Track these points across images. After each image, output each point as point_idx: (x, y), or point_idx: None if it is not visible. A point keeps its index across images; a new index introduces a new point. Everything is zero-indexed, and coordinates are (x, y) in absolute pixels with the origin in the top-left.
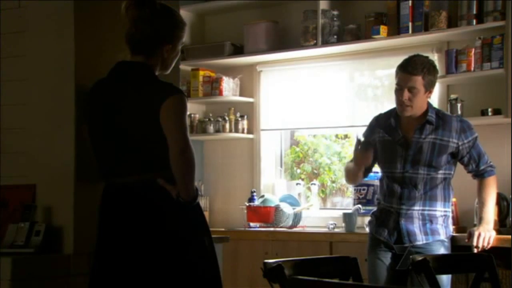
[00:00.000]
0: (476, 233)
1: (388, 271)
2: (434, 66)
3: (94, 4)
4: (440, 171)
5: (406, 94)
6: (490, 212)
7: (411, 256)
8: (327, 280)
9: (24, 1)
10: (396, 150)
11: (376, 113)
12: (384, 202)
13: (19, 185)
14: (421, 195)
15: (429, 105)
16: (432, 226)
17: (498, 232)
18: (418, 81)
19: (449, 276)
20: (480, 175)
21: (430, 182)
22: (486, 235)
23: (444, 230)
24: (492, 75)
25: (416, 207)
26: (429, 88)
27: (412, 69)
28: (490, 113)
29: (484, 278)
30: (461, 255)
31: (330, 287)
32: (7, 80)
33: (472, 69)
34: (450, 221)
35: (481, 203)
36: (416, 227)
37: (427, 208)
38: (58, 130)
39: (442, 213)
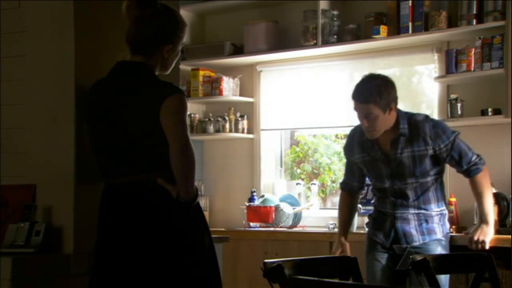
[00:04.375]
0: (475, 239)
1: (385, 272)
2: (387, 85)
3: (94, 4)
4: (429, 176)
5: (365, 122)
6: (487, 208)
7: (411, 256)
8: (327, 280)
9: (24, 1)
10: (379, 167)
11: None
12: (379, 207)
13: (19, 185)
14: (414, 202)
15: (400, 115)
16: (429, 226)
17: (498, 232)
18: (372, 108)
19: (447, 275)
20: (466, 174)
21: (421, 188)
22: (480, 238)
23: (440, 228)
24: (492, 75)
25: (411, 211)
26: (388, 108)
27: (362, 98)
28: (490, 113)
29: (484, 278)
30: (461, 255)
31: (330, 287)
32: (7, 80)
33: (472, 69)
34: (446, 218)
35: (477, 202)
36: (412, 227)
37: (422, 211)
38: (58, 130)
39: (438, 212)
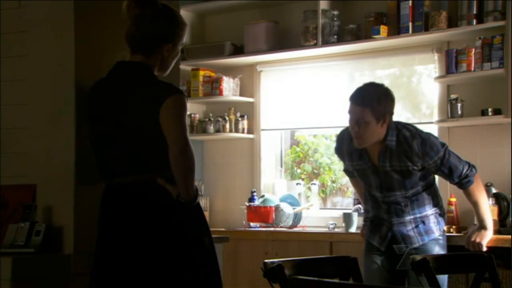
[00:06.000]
0: (471, 240)
1: (383, 273)
2: (387, 95)
3: (94, 4)
4: (419, 186)
5: (356, 127)
6: (483, 215)
7: (411, 256)
8: (327, 280)
9: (24, 1)
10: (369, 176)
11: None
12: (374, 213)
13: (19, 185)
14: (408, 207)
15: (390, 127)
16: (426, 226)
17: (498, 232)
18: (366, 113)
19: (446, 275)
20: (459, 186)
21: (413, 195)
22: (477, 240)
23: (437, 227)
24: (492, 75)
25: (407, 217)
26: (381, 118)
27: (360, 101)
28: (490, 113)
29: (484, 278)
30: (461, 255)
31: (330, 287)
32: (7, 80)
33: (472, 69)
34: (441, 216)
35: (474, 210)
36: (409, 230)
37: (418, 215)
38: (58, 130)
39: (433, 211)
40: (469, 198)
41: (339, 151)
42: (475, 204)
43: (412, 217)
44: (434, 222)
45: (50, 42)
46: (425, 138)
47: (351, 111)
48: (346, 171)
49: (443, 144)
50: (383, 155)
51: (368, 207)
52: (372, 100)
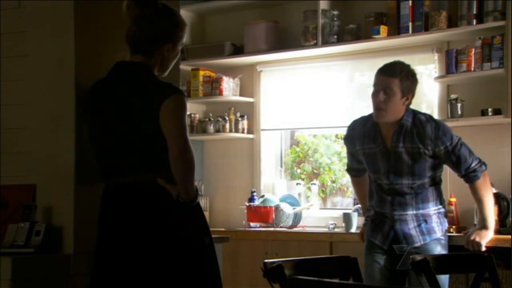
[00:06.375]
0: (471, 239)
1: (384, 273)
2: (414, 74)
3: (94, 4)
4: (426, 178)
5: (381, 96)
6: (485, 214)
7: (411, 256)
8: (327, 280)
9: (24, 1)
10: (378, 162)
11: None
12: (377, 208)
13: (19, 185)
14: (412, 200)
15: (408, 110)
16: (428, 226)
17: (498, 232)
18: (395, 83)
19: (447, 276)
20: (465, 180)
21: (419, 188)
22: (476, 239)
23: (439, 227)
24: (492, 75)
25: (409, 212)
26: (406, 94)
27: (389, 71)
28: (490, 113)
29: (484, 278)
30: (461, 255)
31: (330, 287)
32: (7, 80)
33: (472, 69)
34: (444, 216)
35: (477, 207)
36: (411, 229)
37: (420, 211)
38: (58, 130)
39: (436, 210)
40: (474, 195)
41: (350, 137)
42: (479, 202)
43: (414, 212)
44: (437, 222)
45: (50, 42)
46: (439, 124)
47: (377, 82)
48: (349, 170)
49: (457, 136)
50: (397, 134)
51: (372, 202)
52: (402, 72)
